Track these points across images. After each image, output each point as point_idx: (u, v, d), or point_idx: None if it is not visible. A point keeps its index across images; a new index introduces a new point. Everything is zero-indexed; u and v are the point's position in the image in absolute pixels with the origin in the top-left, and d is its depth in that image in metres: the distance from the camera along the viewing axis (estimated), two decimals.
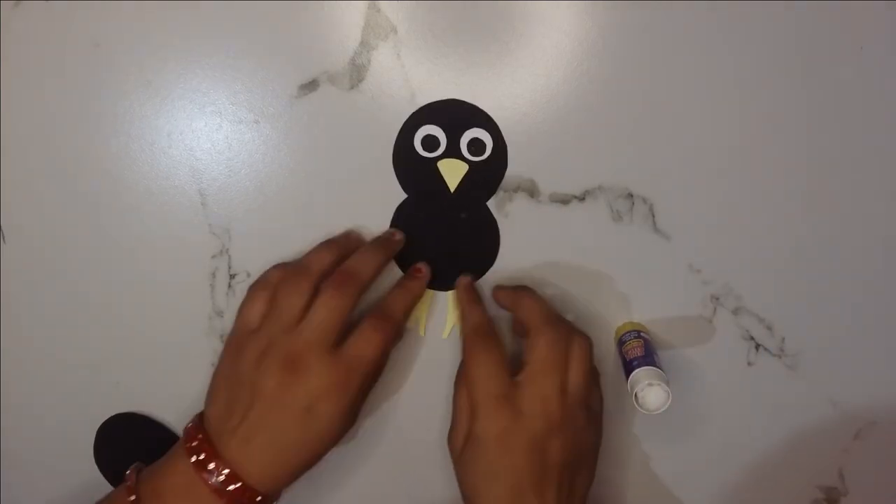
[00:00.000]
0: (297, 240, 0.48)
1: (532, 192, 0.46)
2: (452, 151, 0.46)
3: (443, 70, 0.44)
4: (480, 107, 0.45)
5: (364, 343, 0.42)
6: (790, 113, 0.44)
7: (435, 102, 0.45)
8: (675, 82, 0.44)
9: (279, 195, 0.47)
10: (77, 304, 0.49)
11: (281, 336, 0.42)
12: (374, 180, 0.46)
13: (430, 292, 0.49)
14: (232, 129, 0.46)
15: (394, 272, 0.48)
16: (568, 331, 0.44)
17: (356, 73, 0.44)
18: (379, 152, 0.46)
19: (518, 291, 0.46)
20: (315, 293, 0.42)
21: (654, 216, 0.47)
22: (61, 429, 0.51)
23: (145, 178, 0.47)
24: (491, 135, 0.45)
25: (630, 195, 0.46)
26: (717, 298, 0.48)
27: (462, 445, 0.43)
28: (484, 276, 0.48)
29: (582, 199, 0.47)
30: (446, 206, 0.47)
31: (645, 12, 0.43)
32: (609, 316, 0.49)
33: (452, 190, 0.46)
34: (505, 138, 0.45)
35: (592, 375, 0.45)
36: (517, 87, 0.44)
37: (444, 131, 0.45)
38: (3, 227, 0.48)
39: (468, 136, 0.45)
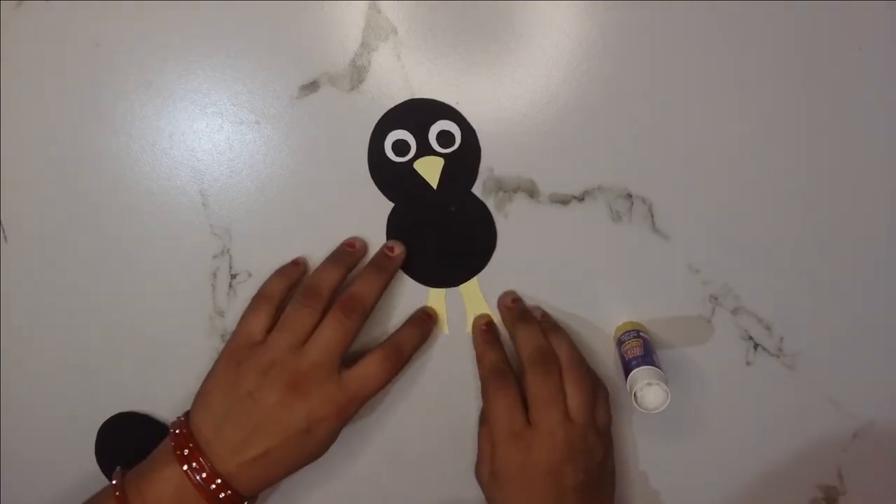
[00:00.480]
0: (297, 240, 0.48)
1: (532, 192, 0.47)
2: (424, 150, 0.46)
3: (443, 70, 0.44)
4: (440, 100, 0.45)
5: (371, 375, 0.44)
6: (790, 113, 0.44)
7: (394, 107, 0.45)
8: (675, 82, 0.44)
9: (280, 196, 0.47)
10: (78, 303, 0.49)
11: (287, 354, 0.43)
12: (373, 182, 0.47)
13: (441, 291, 0.49)
14: (233, 129, 0.46)
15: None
16: (558, 366, 0.45)
17: (356, 74, 0.44)
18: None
19: (515, 322, 0.47)
20: (323, 314, 0.44)
21: (653, 216, 0.47)
22: (62, 428, 0.51)
23: (146, 179, 0.47)
24: (457, 124, 0.45)
25: (629, 195, 0.46)
26: (716, 298, 0.48)
27: (487, 479, 0.46)
28: (489, 265, 0.49)
29: (582, 199, 0.47)
30: (433, 203, 0.47)
31: (645, 12, 0.43)
32: (608, 316, 0.49)
33: (435, 186, 0.47)
34: (471, 125, 0.45)
35: (593, 395, 0.46)
36: (517, 87, 0.45)
37: (411, 132, 0.46)
38: (3, 227, 0.48)
39: (434, 130, 0.45)
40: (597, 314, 0.49)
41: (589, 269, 0.48)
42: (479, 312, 0.49)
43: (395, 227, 0.47)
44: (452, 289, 0.49)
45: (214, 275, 0.48)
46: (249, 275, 0.48)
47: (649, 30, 0.43)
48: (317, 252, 0.47)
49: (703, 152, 0.45)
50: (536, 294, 0.49)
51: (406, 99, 0.45)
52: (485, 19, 0.43)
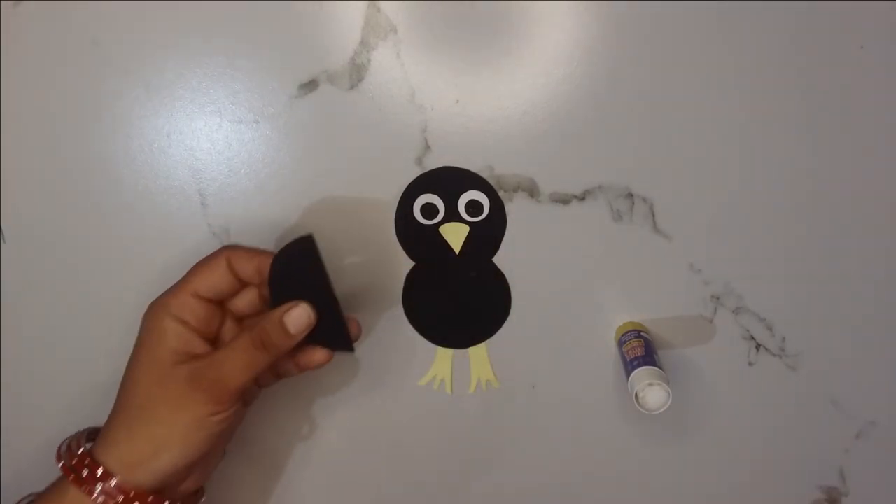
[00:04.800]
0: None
1: (532, 191, 0.46)
2: (452, 216, 0.47)
3: (443, 70, 0.44)
4: (472, 170, 0.46)
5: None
6: (791, 112, 0.44)
7: (428, 171, 0.46)
8: (675, 82, 0.44)
9: (279, 195, 0.47)
10: (77, 303, 0.49)
11: None
12: (374, 182, 0.47)
13: (449, 351, 0.50)
14: (232, 128, 0.46)
15: (395, 268, 0.48)
16: None
17: (356, 72, 0.44)
18: (378, 154, 0.46)
19: None
20: None
21: (654, 216, 0.47)
22: (62, 429, 0.51)
23: (145, 178, 0.47)
24: (486, 195, 0.46)
25: (630, 195, 0.46)
26: (718, 298, 0.48)
27: None
28: (499, 331, 0.50)
29: (582, 198, 0.46)
30: (453, 267, 0.48)
31: (645, 12, 0.43)
32: (609, 316, 0.49)
33: (457, 252, 0.47)
34: (500, 198, 0.47)
35: None
36: (517, 86, 0.44)
37: (441, 198, 0.47)
38: (2, 227, 0.48)
39: (465, 199, 0.46)
40: (598, 314, 0.49)
41: (589, 269, 0.48)
42: (484, 376, 0.50)
43: (412, 284, 0.48)
44: (460, 350, 0.50)
45: None
46: None
47: (649, 29, 0.43)
48: None
49: (705, 152, 0.45)
50: (537, 294, 0.49)
51: (440, 166, 0.46)
52: (484, 18, 0.43)
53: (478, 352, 0.50)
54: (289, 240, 0.40)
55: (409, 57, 0.44)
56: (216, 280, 0.41)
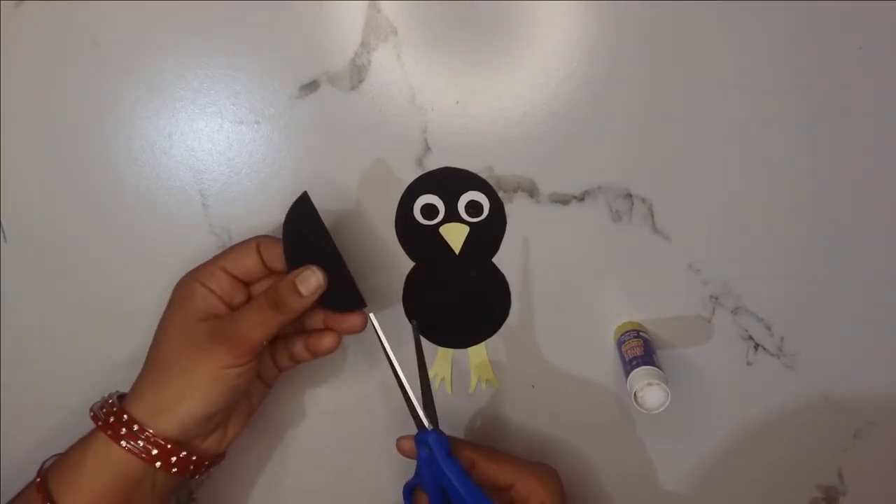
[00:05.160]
0: None
1: (532, 192, 0.46)
2: (452, 216, 0.47)
3: (443, 70, 0.44)
4: (472, 170, 0.46)
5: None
6: (790, 113, 0.44)
7: (428, 172, 0.46)
8: (675, 82, 0.44)
9: (280, 195, 0.47)
10: (77, 303, 0.49)
11: None
12: (374, 183, 0.47)
13: (449, 351, 0.50)
14: (233, 129, 0.46)
15: (395, 268, 0.48)
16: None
17: (356, 73, 0.44)
18: (378, 155, 0.46)
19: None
20: None
21: (653, 216, 0.47)
22: (62, 429, 0.51)
23: (146, 179, 0.47)
24: (487, 196, 0.46)
25: (629, 195, 0.46)
26: (717, 298, 0.48)
27: None
28: (499, 331, 0.50)
29: (582, 199, 0.47)
30: (453, 268, 0.48)
31: (645, 12, 0.43)
32: (609, 316, 0.49)
33: (457, 252, 0.47)
34: (500, 197, 0.47)
35: None
36: (517, 86, 0.45)
37: (441, 198, 0.47)
38: (3, 227, 0.48)
39: (465, 199, 0.47)
40: (597, 314, 0.49)
41: (589, 269, 0.48)
42: (484, 376, 0.50)
43: (412, 284, 0.49)
44: (460, 350, 0.50)
45: None
46: None
47: (649, 29, 0.43)
48: None
49: (704, 152, 0.45)
50: (536, 294, 0.49)
51: (440, 167, 0.46)
52: (484, 19, 0.43)
53: (478, 352, 0.50)
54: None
55: (410, 58, 0.44)
56: (244, 259, 0.43)
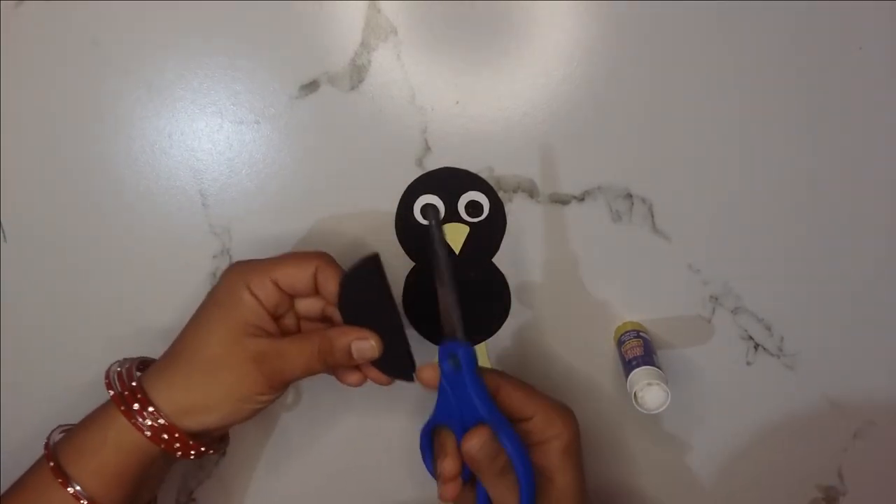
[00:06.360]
0: (297, 240, 0.48)
1: (532, 192, 0.46)
2: (452, 216, 0.47)
3: (443, 70, 0.44)
4: (472, 170, 0.46)
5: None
6: (790, 113, 0.44)
7: (428, 172, 0.46)
8: (675, 82, 0.44)
9: (280, 195, 0.47)
10: (78, 303, 0.49)
11: None
12: (374, 183, 0.47)
13: None
14: (233, 129, 0.46)
15: (393, 271, 0.49)
16: None
17: (356, 73, 0.44)
18: (378, 155, 0.46)
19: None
20: None
21: (653, 216, 0.47)
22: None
23: (146, 179, 0.47)
24: (486, 195, 0.46)
25: (629, 195, 0.46)
26: (717, 298, 0.48)
27: None
28: (500, 330, 0.50)
29: (581, 199, 0.47)
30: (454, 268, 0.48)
31: (645, 12, 0.43)
32: (609, 316, 0.49)
33: (457, 252, 0.47)
34: (500, 197, 0.46)
35: None
36: (517, 86, 0.45)
37: (441, 198, 0.47)
38: (3, 227, 0.48)
39: (465, 199, 0.47)
40: (597, 314, 0.49)
41: (589, 270, 0.48)
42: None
43: (412, 285, 0.49)
44: None
45: (214, 274, 0.48)
46: None
47: (649, 29, 0.43)
48: None
49: (704, 152, 0.45)
50: (536, 294, 0.49)
51: (440, 167, 0.46)
52: (484, 19, 0.43)
53: (478, 352, 0.50)
54: (356, 259, 0.41)
55: (410, 58, 0.44)
56: (297, 279, 0.42)
